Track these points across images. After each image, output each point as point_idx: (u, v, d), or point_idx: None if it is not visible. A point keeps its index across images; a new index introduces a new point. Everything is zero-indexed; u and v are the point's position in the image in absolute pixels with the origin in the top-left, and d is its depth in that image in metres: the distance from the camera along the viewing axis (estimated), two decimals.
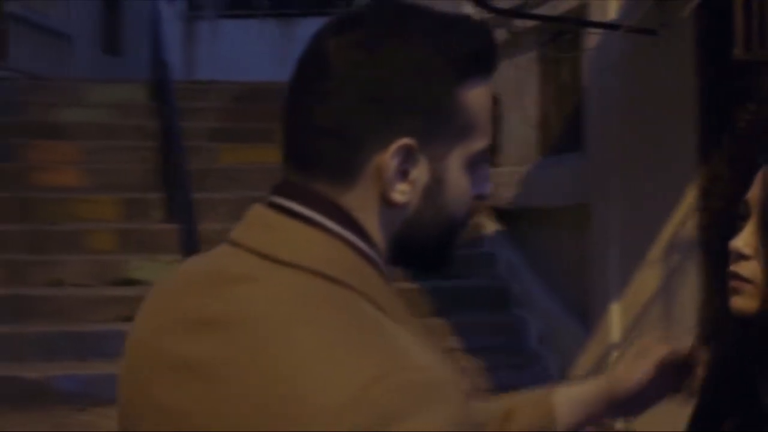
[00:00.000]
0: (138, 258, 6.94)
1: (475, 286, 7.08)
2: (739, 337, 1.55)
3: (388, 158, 1.23)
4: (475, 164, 1.30)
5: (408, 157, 1.24)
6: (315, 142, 1.26)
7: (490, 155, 1.39)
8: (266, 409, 1.12)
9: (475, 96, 1.29)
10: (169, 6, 15.52)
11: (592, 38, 5.60)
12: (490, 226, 7.51)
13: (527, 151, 6.93)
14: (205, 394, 1.17)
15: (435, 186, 1.27)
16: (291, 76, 1.31)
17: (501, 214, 7.42)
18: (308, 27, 16.01)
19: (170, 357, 1.22)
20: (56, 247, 7.07)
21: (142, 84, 9.68)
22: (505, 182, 7.03)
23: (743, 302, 1.52)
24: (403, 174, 1.24)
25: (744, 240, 1.51)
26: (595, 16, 5.57)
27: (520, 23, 6.31)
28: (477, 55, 1.29)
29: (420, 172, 1.25)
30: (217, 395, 1.16)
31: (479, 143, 1.29)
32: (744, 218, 1.53)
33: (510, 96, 6.86)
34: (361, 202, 1.25)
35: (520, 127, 6.93)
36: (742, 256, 1.51)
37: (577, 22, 5.45)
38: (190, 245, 6.61)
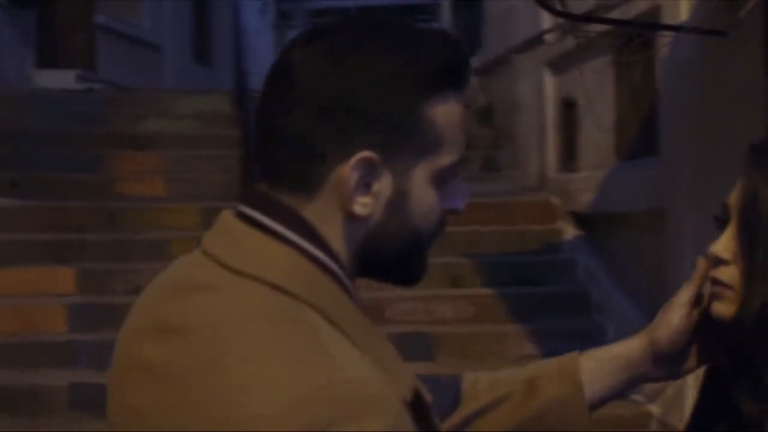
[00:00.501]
0: None
1: (554, 292, 7.01)
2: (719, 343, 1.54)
3: (349, 171, 1.24)
4: (444, 179, 1.31)
5: (370, 170, 1.25)
6: (278, 152, 1.27)
7: (461, 169, 1.36)
8: (210, 416, 1.16)
9: (443, 112, 1.29)
10: (259, 16, 15.73)
11: (665, 40, 5.52)
12: (570, 232, 7.44)
13: (604, 156, 6.86)
14: (163, 398, 1.21)
15: (398, 199, 1.28)
16: (262, 85, 1.32)
17: (580, 219, 7.36)
18: None
19: (139, 360, 1.26)
20: (138, 256, 7.18)
21: (227, 94, 9.82)
22: (583, 187, 6.97)
23: (723, 308, 1.50)
24: (365, 186, 1.26)
25: (723, 245, 1.49)
26: (667, 17, 5.49)
27: (593, 28, 6.25)
28: (443, 71, 1.29)
29: (383, 186, 1.26)
30: (172, 399, 1.20)
31: (447, 158, 1.30)
32: (725, 222, 1.51)
33: (585, 101, 6.80)
34: (323, 213, 1.27)
35: (597, 131, 6.85)
36: (721, 261, 1.49)
37: (645, 25, 5.39)
38: None
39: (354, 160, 1.24)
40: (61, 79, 10.32)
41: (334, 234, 1.28)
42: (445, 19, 11.22)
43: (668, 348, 1.60)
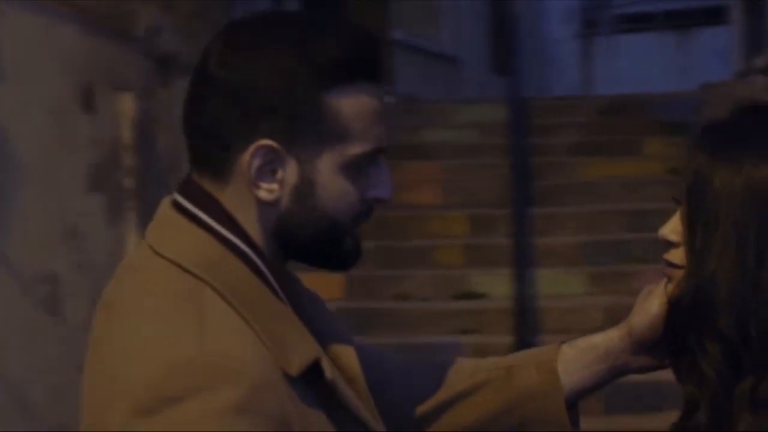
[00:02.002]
0: (480, 272, 7.06)
1: None
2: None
3: (249, 158, 1.32)
4: (358, 168, 1.37)
5: (273, 157, 1.33)
6: (197, 141, 1.38)
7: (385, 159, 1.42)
8: (104, 383, 1.29)
9: (349, 102, 1.35)
10: (564, 26, 15.69)
11: None
12: None
13: None
14: (89, 367, 1.34)
15: (305, 187, 1.35)
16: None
17: None
18: (705, 37, 15.70)
19: (90, 336, 1.39)
20: (405, 262, 7.34)
21: (505, 103, 9.83)
22: None
23: (676, 290, 1.48)
24: (271, 174, 1.34)
25: (671, 227, 1.47)
26: None
27: None
28: (344, 62, 1.33)
29: (288, 173, 1.35)
30: (91, 368, 1.34)
31: (357, 148, 1.36)
32: (679, 203, 1.48)
33: None
34: (237, 199, 1.36)
35: None
36: (671, 244, 1.47)
37: None
38: (528, 260, 6.70)
39: (253, 147, 1.32)
40: None
41: (248, 219, 1.36)
42: (736, 21, 10.77)
43: (646, 336, 1.56)
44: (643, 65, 15.02)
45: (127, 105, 6.71)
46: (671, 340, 1.47)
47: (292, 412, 1.27)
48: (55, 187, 5.83)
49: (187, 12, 7.84)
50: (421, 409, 1.66)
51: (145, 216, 6.79)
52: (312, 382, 1.34)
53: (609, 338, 1.62)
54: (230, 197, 1.37)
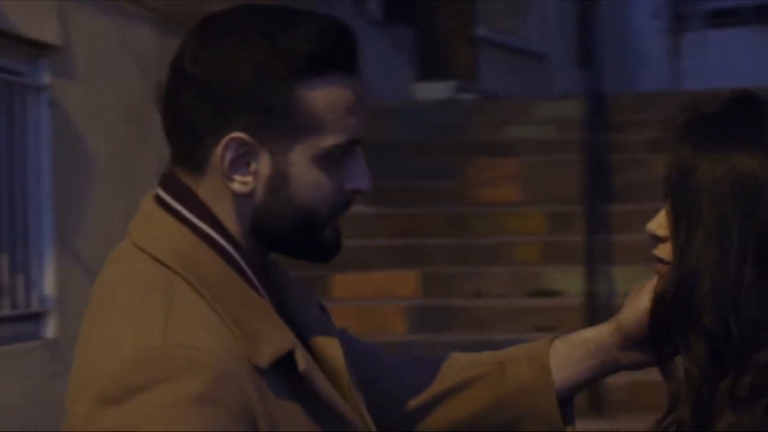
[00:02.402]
0: (556, 269, 7.00)
1: None
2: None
3: (221, 150, 1.33)
4: (332, 160, 1.36)
5: (247, 150, 1.33)
6: (173, 136, 1.38)
7: (358, 150, 1.42)
8: (78, 372, 1.31)
9: (321, 95, 1.34)
10: (653, 21, 15.49)
11: None
12: None
13: None
14: (75, 358, 1.35)
15: (278, 179, 1.35)
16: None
17: None
18: None
19: None
20: (480, 260, 7.30)
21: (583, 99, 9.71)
22: None
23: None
24: (245, 166, 1.34)
25: (658, 222, 1.45)
26: None
27: None
28: (315, 55, 1.33)
29: (261, 166, 1.35)
30: (75, 358, 1.35)
31: (330, 140, 1.35)
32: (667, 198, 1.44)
33: None
34: (213, 191, 1.37)
35: None
36: (659, 239, 1.44)
37: None
38: (604, 257, 6.63)
39: (225, 140, 1.33)
40: (440, 92, 10.64)
41: (225, 211, 1.37)
42: None
43: (635, 332, 1.53)
44: (732, 61, 14.72)
45: None
46: (656, 336, 1.43)
47: (256, 404, 1.28)
48: (133, 183, 5.92)
49: None
50: (414, 403, 1.64)
51: None
52: (287, 374, 1.34)
53: (599, 333, 1.60)
54: (207, 190, 1.38)
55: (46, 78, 5.30)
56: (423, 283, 7.10)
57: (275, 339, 1.33)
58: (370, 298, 7.04)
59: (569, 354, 1.61)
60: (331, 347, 1.48)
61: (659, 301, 1.41)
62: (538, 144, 8.84)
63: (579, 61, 14.32)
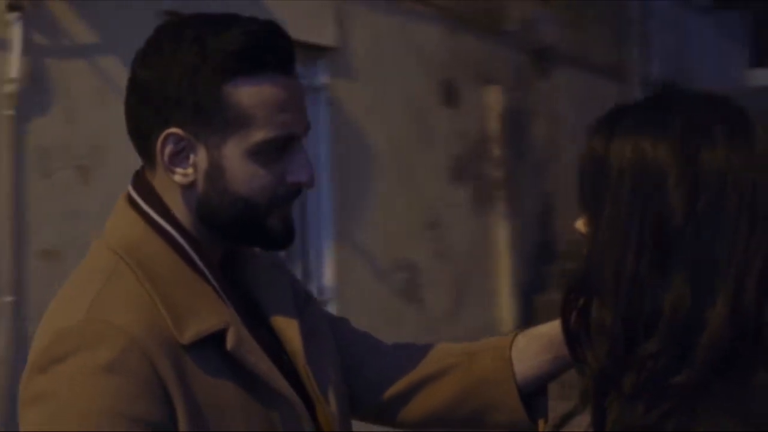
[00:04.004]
0: None
1: None
2: None
3: (159, 145, 1.45)
4: (266, 154, 1.45)
5: (186, 144, 1.45)
6: (130, 134, 1.52)
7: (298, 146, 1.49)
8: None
9: (249, 92, 1.43)
10: None
11: None
12: None
13: None
14: None
15: (214, 171, 1.46)
16: None
17: None
18: None
19: None
20: None
21: None
22: None
23: None
24: (186, 159, 1.46)
25: (584, 219, 1.36)
26: None
27: None
28: (239, 56, 1.42)
29: (199, 159, 1.46)
30: None
31: (260, 135, 1.44)
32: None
33: None
34: (165, 184, 1.50)
35: None
36: (584, 236, 1.36)
37: None
38: None
39: (162, 135, 1.45)
40: None
41: (175, 201, 1.50)
42: None
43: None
44: None
45: (493, 98, 6.86)
46: (566, 332, 1.36)
47: (169, 376, 1.37)
48: (414, 179, 6.09)
49: (566, 2, 7.86)
50: (393, 390, 1.71)
51: (513, 205, 6.91)
52: (222, 351, 1.43)
53: (553, 328, 1.59)
54: (159, 183, 1.50)
55: (324, 78, 5.56)
56: None
57: (203, 319, 1.43)
58: None
59: (527, 347, 1.64)
60: (290, 330, 1.57)
61: (565, 297, 1.35)
62: None
63: None
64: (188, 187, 1.48)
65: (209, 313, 1.44)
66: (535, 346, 1.63)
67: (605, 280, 1.27)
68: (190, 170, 1.47)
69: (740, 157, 1.26)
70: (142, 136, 1.49)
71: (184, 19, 1.51)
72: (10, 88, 3.88)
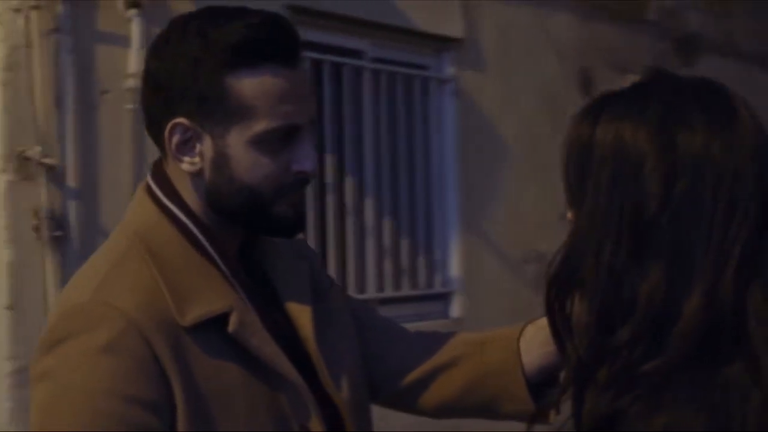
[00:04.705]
0: None
1: None
2: None
3: (167, 134, 1.52)
4: (269, 143, 1.49)
5: (193, 134, 1.51)
6: (145, 126, 1.59)
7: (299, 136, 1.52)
8: None
9: (251, 83, 1.48)
10: None
11: None
12: None
13: None
14: None
15: (220, 160, 1.51)
16: None
17: None
18: None
19: None
20: None
21: None
22: None
23: None
24: (192, 148, 1.52)
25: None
26: None
27: None
28: (240, 47, 1.47)
29: (205, 148, 1.51)
30: None
31: (262, 125, 1.48)
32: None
33: None
34: (177, 173, 1.56)
35: None
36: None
37: None
38: None
39: (169, 125, 1.51)
40: None
41: (186, 188, 1.55)
42: None
43: None
44: None
45: None
46: (551, 323, 1.32)
47: (166, 357, 1.42)
48: (546, 169, 6.03)
49: None
50: (411, 378, 1.73)
51: None
52: (225, 334, 1.48)
53: None
54: (172, 172, 1.56)
55: (450, 70, 5.56)
56: None
57: (206, 302, 1.48)
58: None
59: (533, 338, 1.65)
60: (303, 316, 1.61)
61: (548, 288, 1.30)
62: None
63: None
64: (196, 175, 1.53)
65: (214, 297, 1.49)
66: (541, 336, 1.62)
67: (584, 270, 1.24)
68: (197, 159, 1.52)
69: (720, 144, 1.22)
70: (154, 126, 1.55)
71: (193, 12, 1.55)
72: (130, 82, 4.00)
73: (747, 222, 1.20)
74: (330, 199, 4.98)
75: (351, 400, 1.60)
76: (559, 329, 1.29)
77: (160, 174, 1.58)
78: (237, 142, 1.49)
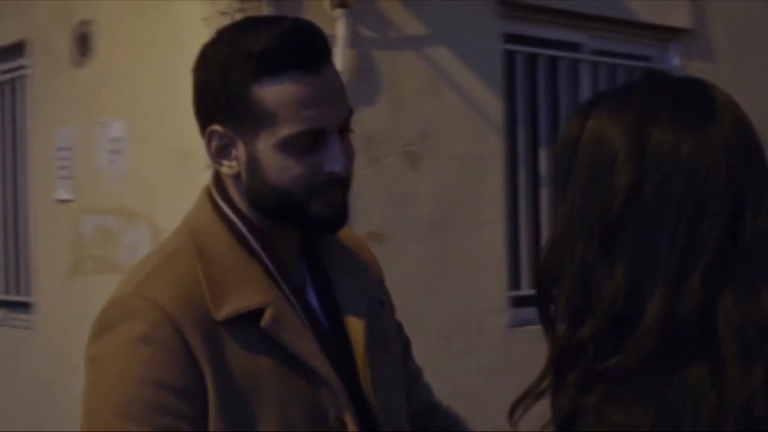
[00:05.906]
0: None
1: None
2: None
3: (206, 141, 1.63)
4: (296, 146, 1.57)
5: (228, 141, 1.61)
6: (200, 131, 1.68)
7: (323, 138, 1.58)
8: None
9: (274, 91, 1.56)
10: None
11: None
12: None
13: None
14: None
15: (252, 163, 1.60)
16: None
17: None
18: None
19: None
20: None
21: None
22: None
23: None
24: (230, 153, 1.62)
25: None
26: None
27: None
28: (263, 57, 1.55)
29: (240, 152, 1.61)
30: None
31: (286, 130, 1.56)
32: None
33: None
34: (225, 175, 1.66)
35: None
36: None
37: None
38: None
39: (207, 132, 1.62)
40: None
41: (233, 190, 1.66)
42: None
43: None
44: None
45: None
46: (539, 314, 1.30)
47: (199, 348, 1.51)
48: None
49: None
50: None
51: None
52: (261, 329, 1.56)
53: None
54: (223, 174, 1.66)
55: (677, 61, 5.43)
56: None
57: (243, 298, 1.57)
58: None
59: None
60: (356, 321, 1.69)
61: (537, 287, 1.31)
62: None
63: None
64: (236, 178, 1.63)
65: (253, 293, 1.57)
66: None
67: (561, 267, 1.25)
68: (234, 163, 1.61)
69: (691, 144, 1.19)
70: (202, 132, 1.65)
71: (235, 22, 1.65)
72: None
73: (717, 224, 1.17)
74: (544, 193, 4.98)
75: (388, 408, 1.67)
76: (545, 324, 1.30)
77: (216, 176, 1.68)
78: (265, 146, 1.57)
